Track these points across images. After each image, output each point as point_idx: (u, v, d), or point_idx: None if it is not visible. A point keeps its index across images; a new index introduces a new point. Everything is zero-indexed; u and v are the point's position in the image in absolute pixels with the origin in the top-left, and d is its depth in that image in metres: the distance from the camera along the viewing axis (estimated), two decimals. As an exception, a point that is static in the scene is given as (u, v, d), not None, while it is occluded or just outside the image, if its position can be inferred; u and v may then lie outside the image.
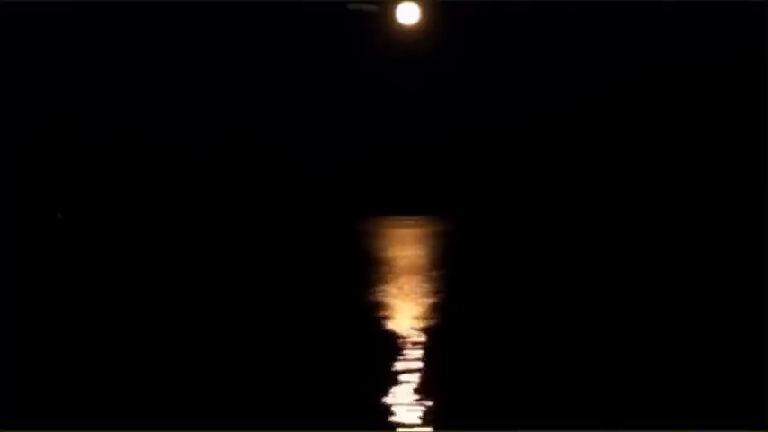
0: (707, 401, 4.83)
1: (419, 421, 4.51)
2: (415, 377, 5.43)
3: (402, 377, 5.44)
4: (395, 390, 5.13)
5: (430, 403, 4.83)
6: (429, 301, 8.51)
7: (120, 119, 18.37)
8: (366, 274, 10.71)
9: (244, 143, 18.78)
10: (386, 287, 9.47)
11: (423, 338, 6.66)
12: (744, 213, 16.02)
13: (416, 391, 5.10)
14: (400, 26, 18.37)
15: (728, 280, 9.81)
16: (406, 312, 7.93)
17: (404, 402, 4.85)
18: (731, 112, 17.72)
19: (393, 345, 6.43)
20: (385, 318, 7.59)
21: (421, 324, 7.29)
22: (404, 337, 6.69)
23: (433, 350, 6.25)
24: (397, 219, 18.30)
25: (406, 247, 13.97)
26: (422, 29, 18.28)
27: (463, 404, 4.87)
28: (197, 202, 18.11)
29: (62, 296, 9.11)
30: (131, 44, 18.23)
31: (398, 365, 5.75)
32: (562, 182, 18.35)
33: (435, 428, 4.42)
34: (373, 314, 7.78)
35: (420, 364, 5.77)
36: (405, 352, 6.15)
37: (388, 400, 4.92)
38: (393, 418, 4.55)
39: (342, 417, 4.61)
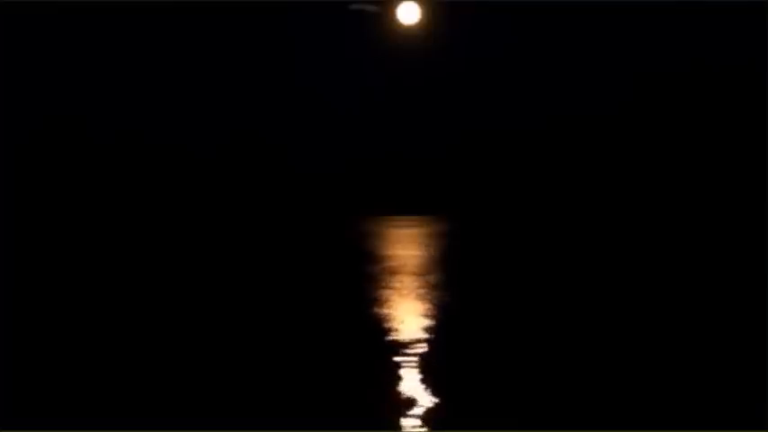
0: (707, 401, 4.83)
1: (420, 421, 4.51)
2: (416, 377, 5.43)
3: (402, 377, 5.44)
4: (395, 390, 5.13)
5: (431, 403, 4.83)
6: (429, 300, 8.52)
7: (121, 119, 18.37)
8: (366, 273, 10.72)
9: (244, 143, 18.77)
10: (386, 286, 9.48)
11: (423, 338, 6.66)
12: (744, 213, 16.02)
13: (417, 390, 5.10)
14: (401, 26, 18.37)
15: (729, 280, 9.81)
16: (407, 311, 7.93)
17: (404, 402, 4.85)
18: (731, 112, 17.73)
19: (392, 344, 6.43)
20: (385, 317, 7.59)
21: (422, 323, 7.29)
22: (404, 337, 6.69)
23: (433, 350, 6.24)
24: (397, 219, 18.30)
25: (407, 247, 13.99)
26: (423, 29, 18.28)
27: (464, 404, 4.87)
28: (197, 202, 18.12)
29: (62, 296, 9.11)
30: (131, 44, 18.23)
31: (398, 365, 5.75)
32: (564, 182, 18.36)
33: (436, 428, 4.42)
34: (373, 313, 7.78)
35: (421, 365, 5.77)
36: (404, 352, 6.15)
37: (388, 400, 4.92)
38: (393, 418, 4.55)
39: (342, 417, 4.61)
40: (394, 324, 7.29)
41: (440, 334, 6.93)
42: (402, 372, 5.57)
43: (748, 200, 16.39)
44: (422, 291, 9.18)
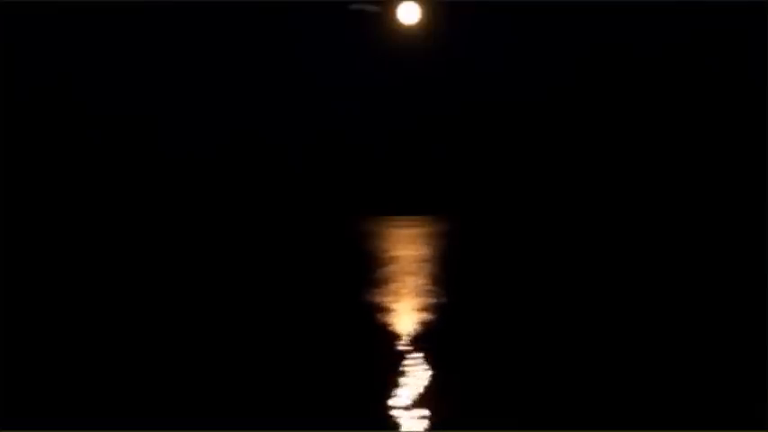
0: (707, 401, 4.83)
1: (420, 421, 4.51)
2: (416, 377, 5.43)
3: (403, 377, 5.43)
4: (395, 389, 5.13)
5: (431, 403, 4.83)
6: (430, 300, 8.51)
7: (120, 118, 18.37)
8: (366, 272, 10.71)
9: (244, 143, 18.77)
10: (386, 286, 9.47)
11: (423, 338, 6.66)
12: (744, 214, 16.03)
13: (417, 390, 5.10)
14: (401, 26, 18.36)
15: (729, 279, 9.81)
16: (407, 311, 7.93)
17: (404, 402, 4.85)
18: (731, 112, 17.73)
19: (393, 345, 6.43)
20: (385, 317, 7.59)
21: (421, 323, 7.28)
22: (404, 337, 6.69)
23: (433, 350, 6.24)
24: (397, 219, 18.30)
25: (407, 247, 13.99)
26: (423, 29, 18.27)
27: (464, 404, 4.87)
28: (197, 202, 18.12)
29: (61, 296, 9.11)
30: (131, 44, 18.23)
31: (398, 366, 5.74)
32: (564, 182, 18.36)
33: (437, 428, 4.42)
34: (373, 314, 7.77)
35: (421, 364, 5.77)
36: (405, 352, 6.15)
37: (387, 400, 4.92)
38: (393, 419, 4.55)
39: (342, 417, 4.61)
40: (394, 324, 7.29)
41: (440, 334, 6.93)
42: (402, 372, 5.57)
43: (748, 200, 16.39)
44: (422, 290, 9.18)
